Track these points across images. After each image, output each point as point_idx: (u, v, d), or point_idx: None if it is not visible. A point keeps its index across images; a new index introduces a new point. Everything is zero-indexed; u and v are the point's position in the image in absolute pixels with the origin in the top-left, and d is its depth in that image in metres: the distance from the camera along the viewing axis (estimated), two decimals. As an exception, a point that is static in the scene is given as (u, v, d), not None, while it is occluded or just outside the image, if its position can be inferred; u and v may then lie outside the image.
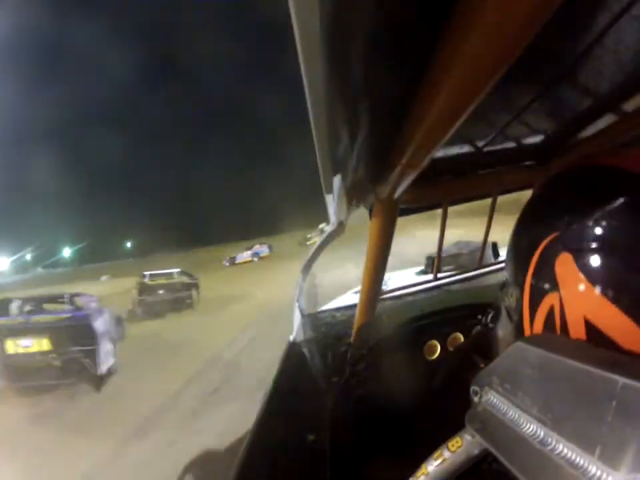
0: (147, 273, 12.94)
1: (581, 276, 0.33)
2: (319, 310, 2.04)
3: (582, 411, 0.25)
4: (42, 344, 5.36)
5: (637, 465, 0.21)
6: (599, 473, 0.23)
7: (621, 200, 0.32)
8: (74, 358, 5.38)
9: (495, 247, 2.81)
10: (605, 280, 0.31)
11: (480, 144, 0.92)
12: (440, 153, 0.72)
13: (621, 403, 0.23)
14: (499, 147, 0.98)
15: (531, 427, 0.29)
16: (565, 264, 0.34)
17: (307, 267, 1.73)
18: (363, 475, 0.84)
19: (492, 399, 0.35)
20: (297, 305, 1.77)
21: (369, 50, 0.37)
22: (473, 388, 0.38)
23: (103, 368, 5.63)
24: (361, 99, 0.46)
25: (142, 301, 11.59)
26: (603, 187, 0.36)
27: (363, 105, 0.48)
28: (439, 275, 1.94)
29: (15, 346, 5.36)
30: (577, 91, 0.70)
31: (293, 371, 1.42)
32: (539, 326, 0.37)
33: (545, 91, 0.65)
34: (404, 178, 0.76)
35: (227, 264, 23.46)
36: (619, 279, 0.31)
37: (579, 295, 0.33)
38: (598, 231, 0.32)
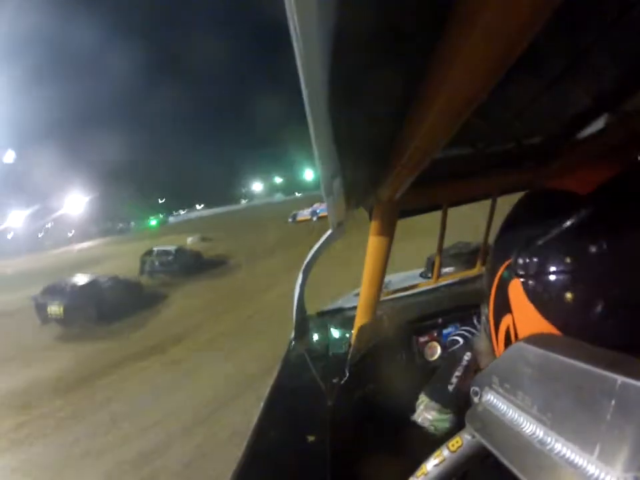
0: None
1: (527, 301, 0.35)
2: (319, 311, 2.04)
3: (581, 411, 0.25)
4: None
5: (635, 464, 0.21)
6: (598, 472, 0.23)
7: (564, 223, 0.34)
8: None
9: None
10: (547, 304, 0.34)
11: (480, 145, 0.92)
12: (440, 154, 0.72)
13: (620, 402, 0.23)
14: (498, 148, 0.98)
15: (531, 427, 0.29)
16: (515, 289, 0.37)
17: (307, 268, 1.73)
18: (363, 474, 0.84)
19: (492, 398, 0.35)
20: (296, 305, 1.77)
21: (368, 51, 0.37)
22: (473, 388, 0.38)
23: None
24: (360, 100, 0.46)
25: (143, 265, 13.31)
26: (551, 210, 0.38)
27: (362, 106, 0.48)
28: (439, 277, 1.94)
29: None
30: (577, 91, 0.70)
31: (293, 371, 1.42)
32: (501, 345, 0.40)
33: (544, 91, 0.65)
34: (404, 179, 0.76)
35: (291, 220, 23.44)
36: (561, 304, 0.33)
37: (527, 318, 0.36)
38: (542, 257, 0.35)
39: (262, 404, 1.17)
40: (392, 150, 0.64)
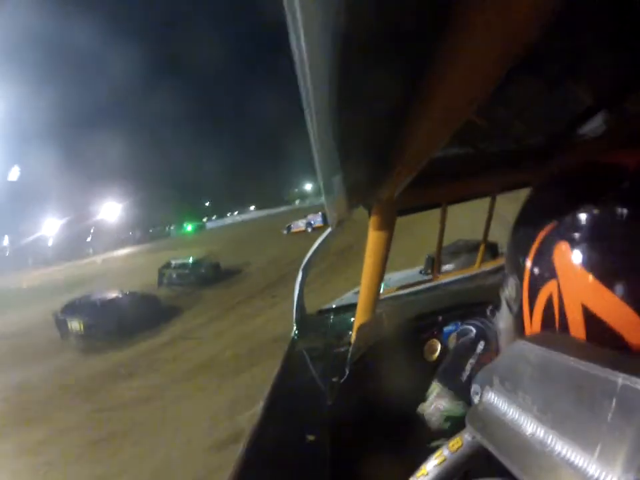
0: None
1: (578, 264, 0.33)
2: (319, 310, 2.04)
3: (582, 411, 0.25)
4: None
5: (636, 465, 0.22)
6: (598, 473, 0.23)
7: (616, 193, 0.33)
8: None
9: (494, 247, 2.81)
10: (601, 267, 0.32)
11: (479, 145, 0.92)
12: (439, 154, 0.72)
13: (621, 402, 0.23)
14: (498, 147, 0.98)
15: (531, 427, 0.29)
16: (562, 253, 0.35)
17: (306, 267, 1.73)
18: (363, 474, 0.84)
19: (492, 398, 0.35)
20: (296, 304, 1.77)
21: (368, 50, 0.37)
22: (474, 387, 0.38)
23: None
24: (360, 99, 0.46)
25: (161, 277, 13.80)
26: (599, 181, 0.36)
27: (362, 106, 0.48)
28: (438, 275, 1.94)
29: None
30: (577, 91, 0.70)
31: (293, 370, 1.42)
32: (537, 314, 0.38)
33: (544, 91, 0.65)
34: (403, 178, 0.76)
35: (285, 232, 23.44)
36: (615, 267, 0.31)
37: (577, 282, 0.33)
38: (594, 221, 0.33)
39: (262, 404, 1.17)
40: (392, 150, 0.63)
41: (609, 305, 0.31)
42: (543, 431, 0.28)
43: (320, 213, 24.19)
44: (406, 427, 0.85)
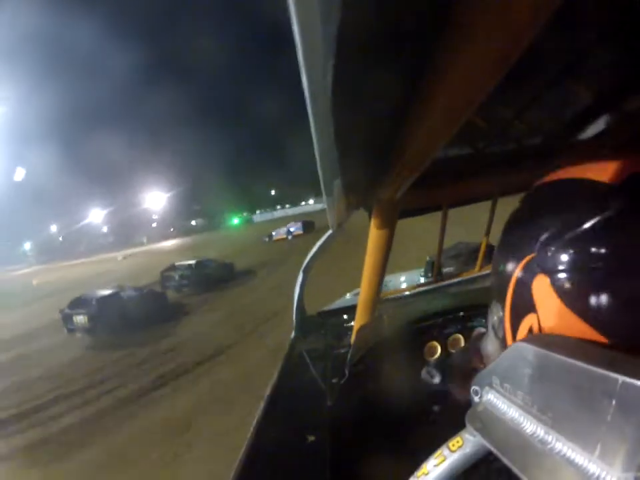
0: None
1: (556, 297, 0.33)
2: (319, 311, 2.04)
3: (581, 410, 0.25)
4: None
5: (636, 464, 0.21)
6: (598, 472, 0.23)
7: (594, 215, 0.32)
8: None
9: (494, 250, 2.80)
10: (578, 301, 0.31)
11: (480, 145, 0.92)
12: (440, 155, 0.72)
13: (621, 402, 0.23)
14: (499, 148, 0.98)
15: (531, 426, 0.29)
16: (541, 285, 0.34)
17: (307, 268, 1.73)
18: (363, 474, 0.84)
19: (492, 398, 0.35)
20: (296, 305, 1.77)
21: (368, 51, 0.37)
22: (474, 388, 0.38)
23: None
24: (361, 100, 0.46)
25: (164, 280, 13.61)
26: (570, 201, 0.35)
27: (363, 107, 0.48)
28: (439, 277, 1.94)
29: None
30: (577, 91, 0.70)
31: (294, 371, 1.42)
32: None
33: (544, 91, 0.65)
34: (404, 180, 0.76)
35: (267, 239, 24.89)
36: (592, 300, 0.31)
37: (556, 316, 0.33)
38: (571, 251, 0.32)
39: (262, 404, 1.17)
40: (392, 150, 0.64)
41: (587, 337, 0.30)
42: (543, 431, 0.28)
43: (300, 222, 25.70)
44: (406, 427, 0.85)
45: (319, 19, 0.28)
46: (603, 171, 0.35)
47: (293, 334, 1.76)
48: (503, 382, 0.34)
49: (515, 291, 0.38)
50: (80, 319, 8.87)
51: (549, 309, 0.34)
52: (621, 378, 0.23)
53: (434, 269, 1.94)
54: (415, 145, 0.57)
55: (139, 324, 9.29)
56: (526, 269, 0.36)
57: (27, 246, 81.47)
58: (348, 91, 0.42)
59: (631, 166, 0.33)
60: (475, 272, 1.81)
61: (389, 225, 1.10)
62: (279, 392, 1.27)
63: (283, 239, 23.68)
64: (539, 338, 0.33)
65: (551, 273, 0.33)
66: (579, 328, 0.31)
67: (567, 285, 0.32)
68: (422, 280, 2.73)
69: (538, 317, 0.35)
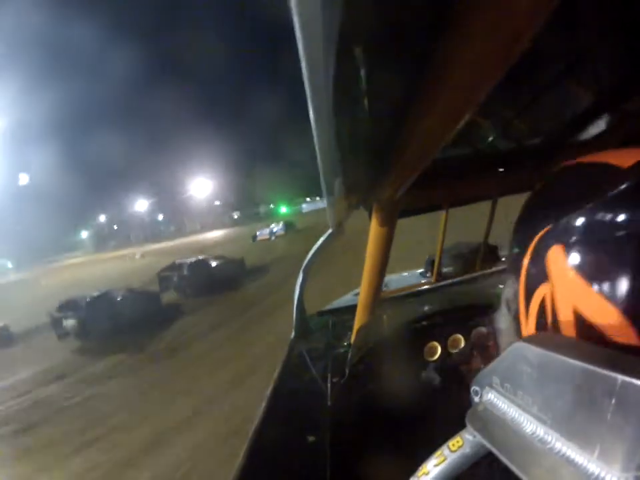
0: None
1: (570, 268, 0.33)
2: (319, 311, 2.04)
3: (581, 410, 0.25)
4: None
5: (636, 464, 0.21)
6: (598, 472, 0.23)
7: (609, 194, 0.33)
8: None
9: (495, 250, 2.80)
10: (592, 271, 0.32)
11: (480, 145, 0.92)
12: (440, 155, 0.72)
13: (620, 402, 0.23)
14: (499, 148, 0.98)
15: (531, 426, 0.29)
16: (555, 256, 0.35)
17: (307, 268, 1.73)
18: (363, 475, 0.84)
19: (492, 398, 0.35)
20: (296, 305, 1.77)
21: (369, 52, 0.37)
22: (474, 388, 0.38)
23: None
24: (361, 101, 0.46)
25: (162, 282, 12.51)
26: (592, 183, 0.36)
27: (363, 107, 0.48)
28: (439, 277, 1.94)
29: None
30: (577, 92, 0.70)
31: (294, 371, 1.42)
32: (532, 316, 0.38)
33: (545, 91, 0.65)
34: (404, 180, 0.76)
35: (252, 240, 25.74)
36: (606, 271, 0.31)
37: (568, 286, 0.34)
38: (586, 224, 0.33)
39: (262, 404, 1.17)
40: (392, 150, 0.64)
41: (599, 308, 0.31)
42: (542, 430, 0.28)
43: (281, 223, 26.78)
44: (406, 427, 0.85)
45: (321, 19, 0.28)
46: (614, 156, 0.36)
47: (292, 334, 1.76)
48: (503, 382, 0.34)
49: (530, 262, 0.39)
50: (69, 323, 8.53)
51: (563, 279, 0.34)
52: (621, 377, 0.23)
53: (434, 269, 1.94)
54: (415, 144, 0.57)
55: (130, 327, 8.76)
56: (542, 240, 0.37)
57: (84, 234, 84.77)
58: (349, 91, 0.42)
59: (638, 152, 0.34)
60: (475, 271, 1.82)
61: (389, 225, 1.10)
62: (279, 392, 1.27)
63: (266, 239, 24.93)
64: (538, 338, 0.33)
65: (566, 243, 0.34)
66: (591, 298, 0.32)
67: (581, 255, 0.33)
68: (422, 280, 2.73)
69: (552, 286, 0.35)
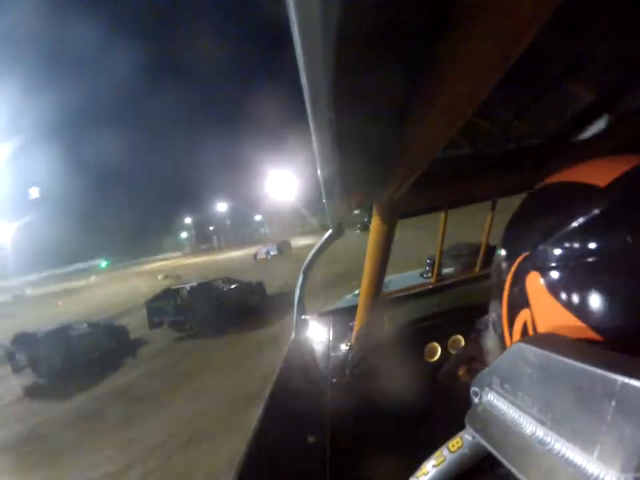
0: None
1: (547, 293, 0.34)
2: (319, 311, 2.04)
3: (581, 411, 0.25)
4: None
5: (635, 465, 0.21)
6: (597, 473, 0.23)
7: (584, 214, 0.33)
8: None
9: (494, 250, 2.79)
10: (569, 296, 0.33)
11: (480, 145, 0.92)
12: (440, 155, 0.72)
13: (620, 403, 0.23)
14: (498, 149, 0.98)
15: (531, 427, 0.29)
16: (533, 282, 0.36)
17: (307, 269, 1.73)
18: (363, 475, 0.84)
19: (492, 399, 0.35)
20: (296, 305, 1.77)
21: (368, 50, 0.37)
22: (473, 389, 0.38)
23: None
24: (360, 100, 0.46)
25: (151, 315, 9.40)
26: (568, 202, 0.37)
27: (362, 107, 0.48)
28: (439, 277, 1.93)
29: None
30: (577, 92, 0.70)
31: (294, 372, 1.42)
32: (515, 339, 0.39)
33: (544, 91, 0.65)
34: (404, 180, 0.76)
35: (253, 259, 28.34)
36: (582, 295, 0.32)
37: (547, 311, 0.35)
38: (560, 249, 0.34)
39: (263, 404, 1.17)
40: (392, 151, 0.63)
41: (578, 332, 0.31)
42: (542, 431, 0.28)
43: (275, 245, 30.01)
44: (405, 428, 0.85)
45: (319, 18, 0.28)
46: (592, 173, 0.36)
47: (292, 334, 1.76)
48: (502, 383, 0.34)
49: (510, 288, 0.40)
50: (22, 358, 7.73)
51: (541, 305, 0.35)
52: (621, 379, 0.23)
53: (434, 269, 1.94)
54: (415, 145, 0.57)
55: (85, 367, 7.80)
56: (520, 266, 0.38)
57: (184, 234, 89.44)
58: (348, 90, 0.42)
59: (619, 167, 0.35)
60: (475, 272, 1.81)
61: (388, 225, 1.10)
62: (279, 392, 1.27)
63: (264, 259, 27.66)
64: (538, 339, 0.33)
65: (542, 269, 0.35)
66: (569, 322, 0.32)
67: (557, 281, 0.34)
68: (422, 280, 2.73)
69: (531, 312, 0.36)
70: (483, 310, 0.57)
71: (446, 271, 2.87)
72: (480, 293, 1.63)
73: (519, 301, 0.38)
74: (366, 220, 1.25)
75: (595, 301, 0.31)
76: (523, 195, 0.47)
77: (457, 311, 1.31)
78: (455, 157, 0.93)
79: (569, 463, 0.25)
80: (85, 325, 8.91)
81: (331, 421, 0.98)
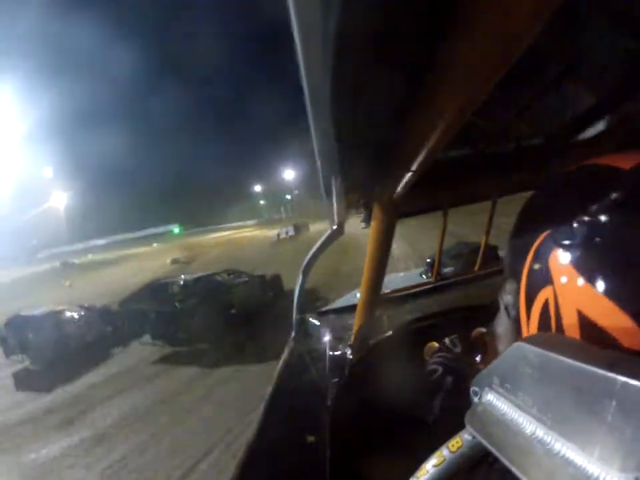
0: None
1: (573, 270, 0.34)
2: (319, 311, 2.04)
3: (582, 411, 0.25)
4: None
5: (636, 465, 0.21)
6: (598, 473, 0.23)
7: (609, 198, 0.33)
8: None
9: (495, 250, 2.80)
10: (595, 273, 0.32)
11: (480, 146, 0.92)
12: (440, 155, 0.72)
13: (621, 403, 0.23)
14: (499, 148, 0.98)
15: (531, 427, 0.29)
16: (557, 259, 0.35)
17: (307, 268, 1.73)
18: (363, 475, 0.84)
19: (492, 399, 0.35)
20: (296, 305, 1.77)
21: (369, 53, 0.37)
22: (473, 388, 0.38)
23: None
24: (361, 101, 0.46)
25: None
26: (593, 186, 0.37)
27: (363, 108, 0.48)
28: (439, 277, 1.94)
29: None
30: (577, 92, 0.70)
31: (294, 371, 1.42)
32: (534, 319, 0.38)
33: (544, 92, 0.65)
34: (404, 180, 0.76)
35: (275, 238, 31.55)
36: (608, 272, 0.32)
37: (572, 288, 0.34)
38: (587, 226, 0.34)
39: (263, 404, 1.17)
40: (392, 150, 0.63)
41: (604, 309, 0.31)
42: (542, 431, 0.28)
43: (292, 225, 33.58)
44: (405, 428, 0.85)
45: (319, 20, 0.28)
46: (619, 159, 0.36)
47: (292, 334, 1.76)
48: (502, 382, 0.34)
49: (531, 266, 0.39)
50: (14, 342, 7.25)
51: (566, 281, 0.34)
52: (621, 379, 0.23)
53: (434, 269, 1.94)
54: (416, 145, 0.57)
55: (77, 355, 6.95)
56: (543, 244, 0.37)
57: (261, 202, 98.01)
58: (347, 91, 0.42)
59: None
60: (475, 272, 1.81)
61: (389, 225, 1.10)
62: (279, 392, 1.27)
63: (284, 238, 31.09)
64: (539, 338, 0.33)
65: (568, 247, 0.35)
66: (595, 300, 0.32)
67: (584, 258, 0.33)
68: (422, 280, 2.73)
69: (554, 289, 0.35)
70: (482, 309, 0.57)
71: (446, 270, 2.88)
72: (480, 293, 1.63)
73: (541, 279, 0.37)
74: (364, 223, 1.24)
75: (621, 278, 0.31)
76: (524, 195, 0.47)
77: (456, 310, 1.31)
78: (455, 157, 0.93)
79: (569, 462, 0.25)
80: (79, 308, 8.15)
81: (331, 420, 0.98)
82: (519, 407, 0.31)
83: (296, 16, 0.29)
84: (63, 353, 7.21)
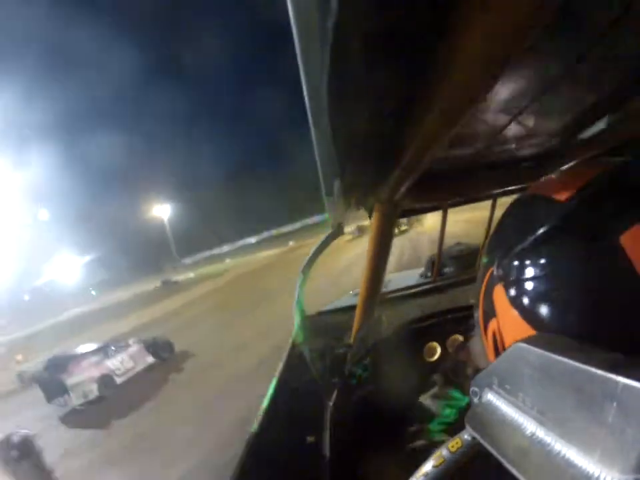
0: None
1: (510, 305, 0.36)
2: (319, 311, 2.04)
3: (582, 412, 0.25)
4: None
5: (636, 466, 0.21)
6: (598, 474, 0.23)
7: (541, 229, 0.35)
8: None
9: None
10: (528, 308, 0.35)
11: (480, 146, 0.91)
12: (440, 155, 0.71)
13: (622, 404, 0.23)
14: (498, 148, 0.98)
15: (531, 428, 0.29)
16: (498, 294, 0.38)
17: (306, 269, 1.72)
18: (363, 475, 0.84)
19: (492, 399, 0.35)
20: (296, 305, 1.77)
21: (368, 52, 0.37)
22: (473, 389, 0.38)
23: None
24: (360, 101, 0.46)
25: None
26: (531, 216, 0.38)
27: (363, 108, 0.48)
28: (439, 277, 1.94)
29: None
30: (577, 92, 0.70)
31: (294, 372, 1.42)
32: (489, 348, 0.41)
33: (544, 92, 0.65)
34: (404, 180, 0.76)
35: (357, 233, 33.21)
36: (541, 308, 0.34)
37: (510, 322, 0.36)
38: (521, 262, 0.36)
39: (263, 404, 1.17)
40: (392, 150, 0.63)
41: None
42: (542, 432, 0.28)
43: (356, 226, 33.89)
44: (405, 428, 0.85)
45: (317, 20, 0.28)
46: (557, 186, 0.38)
47: (292, 334, 1.76)
48: (502, 383, 0.34)
49: (484, 298, 0.42)
50: (54, 386, 6.80)
51: (505, 316, 0.37)
52: (622, 380, 0.23)
53: (434, 269, 1.94)
54: (414, 145, 0.57)
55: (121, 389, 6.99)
56: (490, 278, 0.40)
57: None
58: (347, 91, 0.42)
59: (580, 181, 0.36)
60: (475, 272, 1.81)
61: (389, 225, 1.10)
62: (279, 392, 1.27)
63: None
64: (539, 339, 0.33)
65: (506, 282, 0.37)
66: (527, 332, 0.34)
67: (517, 294, 0.36)
68: (422, 280, 2.73)
69: (498, 322, 0.38)
70: None
71: (446, 270, 2.88)
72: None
73: (489, 311, 0.40)
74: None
75: (553, 314, 0.33)
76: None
77: (456, 311, 1.31)
78: (455, 157, 0.93)
79: (569, 464, 0.25)
80: (125, 342, 8.33)
81: (331, 421, 0.98)
82: (519, 407, 0.31)
83: (294, 16, 0.29)
84: (111, 388, 7.18)
